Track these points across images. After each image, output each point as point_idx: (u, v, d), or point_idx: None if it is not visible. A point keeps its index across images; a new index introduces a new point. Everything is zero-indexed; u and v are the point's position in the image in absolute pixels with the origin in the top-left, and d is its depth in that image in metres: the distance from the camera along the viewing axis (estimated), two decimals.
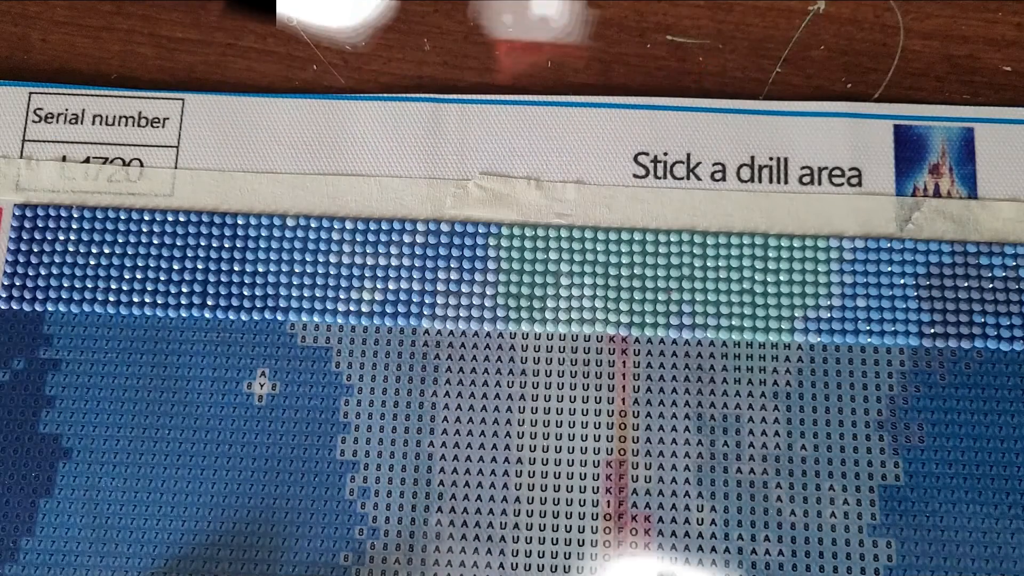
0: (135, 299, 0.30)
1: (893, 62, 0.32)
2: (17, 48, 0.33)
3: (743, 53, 0.32)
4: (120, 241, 0.31)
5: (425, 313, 0.30)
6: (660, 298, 0.30)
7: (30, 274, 0.30)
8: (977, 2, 0.32)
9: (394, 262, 0.30)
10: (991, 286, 0.30)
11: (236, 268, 0.30)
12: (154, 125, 0.32)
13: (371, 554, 0.28)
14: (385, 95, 0.32)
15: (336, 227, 0.31)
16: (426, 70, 0.33)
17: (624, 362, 0.29)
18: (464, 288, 0.30)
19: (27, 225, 0.31)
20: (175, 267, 0.30)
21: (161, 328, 0.30)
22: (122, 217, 0.31)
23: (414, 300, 0.30)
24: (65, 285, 0.30)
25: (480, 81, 0.32)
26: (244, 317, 0.30)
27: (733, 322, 0.30)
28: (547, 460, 0.29)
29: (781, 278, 0.30)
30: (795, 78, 0.32)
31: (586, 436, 0.29)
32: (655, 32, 0.32)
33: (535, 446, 0.29)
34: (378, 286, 0.30)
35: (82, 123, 0.32)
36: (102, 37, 0.33)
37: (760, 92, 0.32)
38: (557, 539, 0.28)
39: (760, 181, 0.31)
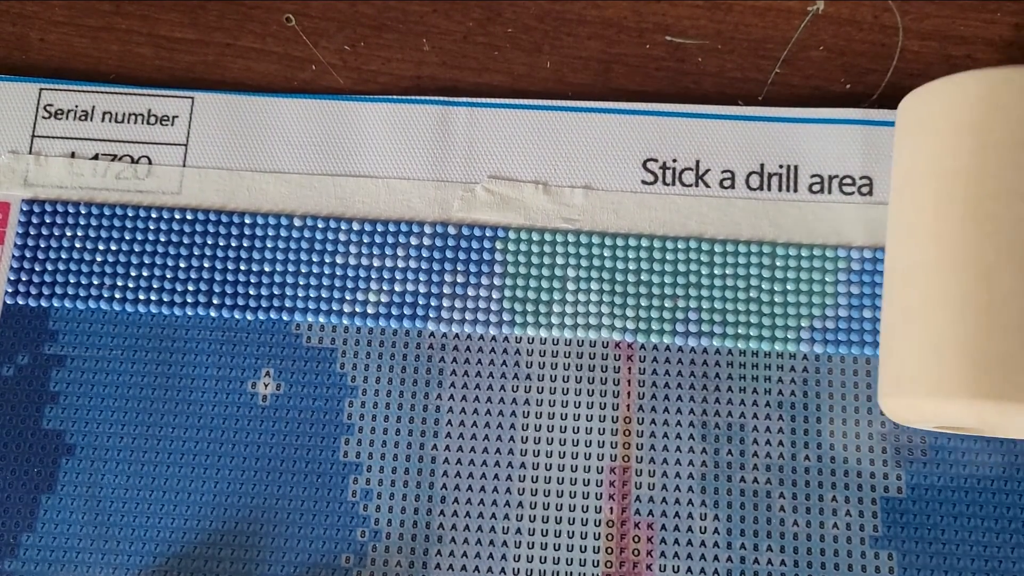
0: (141, 296, 0.30)
1: (892, 62, 0.32)
2: (15, 48, 0.33)
3: (742, 53, 0.32)
4: (127, 238, 0.31)
5: (431, 316, 0.30)
6: (667, 305, 0.30)
7: (36, 269, 0.30)
8: (975, 2, 0.32)
9: (400, 264, 0.30)
10: None
11: (242, 267, 0.30)
12: (163, 123, 0.32)
13: (372, 556, 0.28)
14: (394, 97, 0.32)
15: (343, 228, 0.31)
16: (425, 70, 0.32)
17: (629, 368, 0.29)
18: (470, 291, 0.30)
19: (35, 221, 0.31)
20: (181, 265, 0.30)
21: (166, 326, 0.30)
22: (129, 214, 0.31)
23: (420, 303, 0.30)
24: (71, 281, 0.30)
25: (479, 81, 0.32)
26: (250, 316, 0.30)
27: (739, 330, 0.30)
28: (550, 465, 0.29)
29: (788, 287, 0.30)
30: (794, 78, 0.32)
31: (590, 442, 0.29)
32: (654, 32, 0.32)
33: (539, 451, 0.29)
34: (384, 288, 0.30)
35: (92, 120, 0.32)
36: (101, 37, 0.33)
37: (759, 92, 0.32)
38: (559, 545, 0.28)
39: (769, 189, 0.31)
